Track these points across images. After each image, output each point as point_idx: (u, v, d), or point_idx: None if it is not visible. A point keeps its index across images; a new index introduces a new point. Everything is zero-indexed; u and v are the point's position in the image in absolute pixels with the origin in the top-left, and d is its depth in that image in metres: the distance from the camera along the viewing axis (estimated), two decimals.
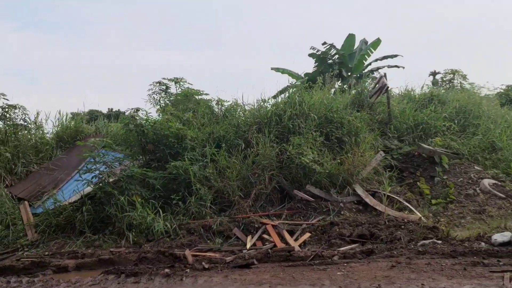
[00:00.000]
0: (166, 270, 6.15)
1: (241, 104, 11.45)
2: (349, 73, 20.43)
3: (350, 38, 20.19)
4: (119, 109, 25.45)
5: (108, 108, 27.51)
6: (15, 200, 9.57)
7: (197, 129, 10.17)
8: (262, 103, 11.11)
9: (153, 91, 13.12)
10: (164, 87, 13.19)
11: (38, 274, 6.57)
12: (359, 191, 8.75)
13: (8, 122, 11.97)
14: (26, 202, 9.28)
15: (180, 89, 13.10)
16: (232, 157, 9.30)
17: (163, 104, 12.74)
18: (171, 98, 12.96)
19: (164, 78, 13.28)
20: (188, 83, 13.30)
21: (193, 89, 12.67)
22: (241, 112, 11.26)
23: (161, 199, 8.63)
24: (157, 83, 13.19)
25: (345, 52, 20.10)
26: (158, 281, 5.77)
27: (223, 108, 11.27)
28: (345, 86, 19.26)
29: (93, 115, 18.11)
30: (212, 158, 9.25)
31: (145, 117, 10.02)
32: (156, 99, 13.02)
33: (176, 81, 13.21)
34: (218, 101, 11.49)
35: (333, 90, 16.92)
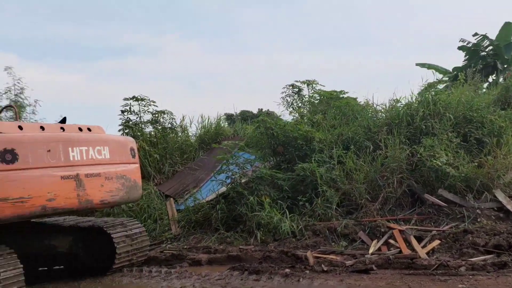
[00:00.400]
0: (287, 270, 6.39)
1: (372, 105, 11.21)
2: (505, 66, 18.62)
3: (507, 27, 18.36)
4: (262, 109, 26.59)
5: (258, 109, 28.82)
6: (163, 197, 10.70)
7: (326, 131, 10.25)
8: (394, 103, 10.75)
9: (286, 93, 13.53)
10: (296, 90, 13.51)
11: (175, 266, 7.32)
12: (500, 197, 7.97)
13: (158, 127, 13.40)
14: (171, 199, 10.34)
15: (312, 91, 13.30)
16: (360, 159, 9.19)
17: (296, 107, 13.07)
18: (303, 100, 13.24)
19: (296, 81, 13.61)
20: (320, 84, 13.43)
21: (326, 91, 12.76)
22: (372, 113, 11.02)
23: (289, 200, 8.91)
24: (290, 86, 13.56)
25: (500, 42, 18.39)
26: (277, 280, 6.02)
27: (353, 109, 11.14)
28: (500, 80, 17.58)
29: (232, 118, 19.22)
30: (339, 160, 9.25)
31: (276, 120, 10.42)
32: (289, 102, 13.39)
33: (308, 83, 13.44)
34: (347, 102, 11.40)
35: (485, 84, 15.56)
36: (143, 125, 13.33)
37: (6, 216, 5.37)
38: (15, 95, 17.18)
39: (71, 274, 7.20)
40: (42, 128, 6.24)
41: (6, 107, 9.06)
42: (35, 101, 16.86)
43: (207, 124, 14.28)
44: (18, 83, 16.75)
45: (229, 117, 19.25)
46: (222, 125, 14.72)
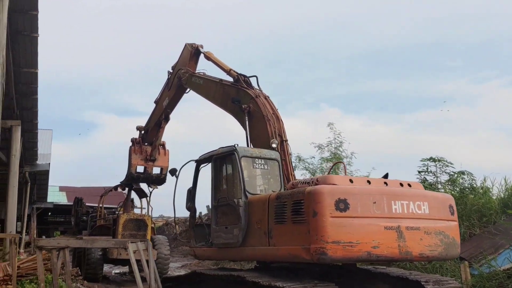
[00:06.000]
0: None
1: None
2: None
3: None
4: None
5: None
6: (457, 259, 10.06)
7: None
8: None
9: None
10: None
11: None
12: None
13: (456, 188, 12.80)
14: (466, 262, 9.66)
15: None
16: None
17: None
18: None
19: None
20: None
21: None
22: None
23: None
24: None
25: None
26: None
27: None
28: None
29: None
30: None
31: None
32: None
33: None
34: None
35: None
36: (439, 185, 13.04)
37: (338, 257, 6.21)
38: (335, 148, 19.41)
39: None
40: (369, 182, 7.01)
41: (336, 163, 10.46)
42: (351, 154, 18.65)
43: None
44: (338, 137, 18.94)
45: None
46: None
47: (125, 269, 16.02)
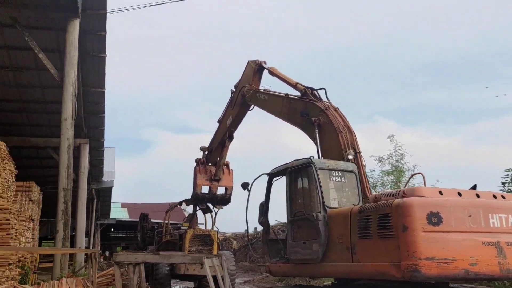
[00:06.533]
0: None
1: None
2: None
3: None
4: None
5: None
6: None
7: None
8: None
9: None
10: None
11: None
12: None
13: None
14: None
15: None
16: None
17: None
18: None
19: None
20: None
21: None
22: None
23: None
24: None
25: None
26: None
27: None
28: None
29: None
30: None
31: None
32: None
33: None
34: None
35: None
36: None
37: (432, 275, 5.77)
38: (396, 160, 18.75)
39: None
40: (459, 194, 6.53)
41: (415, 174, 9.96)
42: (413, 166, 17.93)
43: None
44: (399, 149, 18.29)
45: None
46: None
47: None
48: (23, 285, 8.83)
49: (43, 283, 8.72)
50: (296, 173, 8.05)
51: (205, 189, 14.06)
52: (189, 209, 16.96)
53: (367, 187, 8.50)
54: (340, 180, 7.89)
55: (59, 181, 11.35)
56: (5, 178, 10.75)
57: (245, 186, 9.02)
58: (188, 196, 14.50)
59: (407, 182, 9.02)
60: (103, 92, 16.83)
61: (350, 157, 8.23)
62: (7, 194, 10.95)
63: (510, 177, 12.40)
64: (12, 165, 11.77)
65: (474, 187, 7.33)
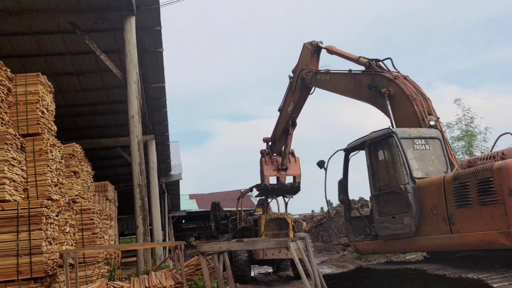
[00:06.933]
0: None
1: None
2: None
3: None
4: None
5: None
6: None
7: None
8: None
9: None
10: None
11: None
12: None
13: None
14: None
15: None
16: None
17: None
18: None
19: None
20: None
21: None
22: None
23: None
24: None
25: None
26: None
27: None
28: None
29: None
30: None
31: None
32: None
33: None
34: None
35: None
36: None
37: None
38: (465, 125, 17.68)
39: None
40: None
41: (502, 134, 9.11)
42: (485, 129, 16.82)
43: None
44: (468, 113, 17.22)
45: None
46: None
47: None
48: (116, 282, 9.04)
49: (134, 279, 8.88)
50: (376, 145, 7.64)
51: (273, 180, 13.90)
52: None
53: (450, 154, 7.93)
54: (424, 148, 7.40)
55: (133, 178, 11.53)
56: (84, 180, 11.08)
57: (321, 164, 8.70)
58: (256, 181, 14.39)
59: (494, 144, 8.32)
60: (164, 87, 16.98)
61: (432, 122, 7.69)
62: (87, 194, 11.29)
63: None
64: (89, 167, 12.12)
65: None
